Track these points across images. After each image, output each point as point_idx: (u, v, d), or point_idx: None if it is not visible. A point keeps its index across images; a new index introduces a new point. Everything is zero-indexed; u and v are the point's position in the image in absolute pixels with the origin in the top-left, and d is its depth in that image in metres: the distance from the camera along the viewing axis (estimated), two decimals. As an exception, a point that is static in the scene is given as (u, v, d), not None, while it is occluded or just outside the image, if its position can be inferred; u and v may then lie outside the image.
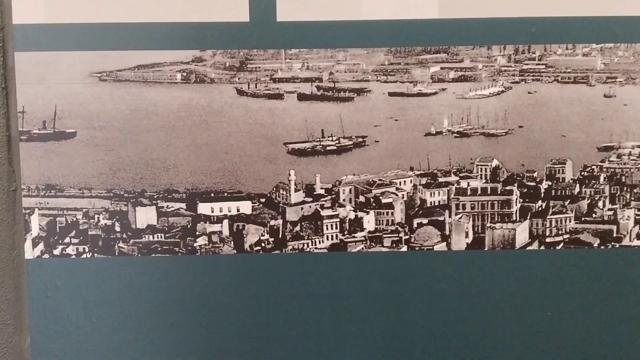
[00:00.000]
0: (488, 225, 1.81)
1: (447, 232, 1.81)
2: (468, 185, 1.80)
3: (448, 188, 1.80)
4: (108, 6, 1.72)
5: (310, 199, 1.80)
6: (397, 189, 1.80)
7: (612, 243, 1.80)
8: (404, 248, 1.81)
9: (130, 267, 1.80)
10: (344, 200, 1.80)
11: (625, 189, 1.81)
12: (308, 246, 1.80)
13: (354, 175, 1.80)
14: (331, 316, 1.81)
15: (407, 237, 1.81)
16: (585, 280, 1.81)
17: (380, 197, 1.80)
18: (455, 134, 1.79)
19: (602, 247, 1.81)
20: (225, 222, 1.79)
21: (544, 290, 1.81)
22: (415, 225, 1.81)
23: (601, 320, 1.81)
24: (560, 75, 1.78)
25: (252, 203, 1.79)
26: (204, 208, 1.79)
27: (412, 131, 1.79)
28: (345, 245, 1.81)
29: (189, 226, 1.80)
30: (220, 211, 1.79)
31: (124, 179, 1.79)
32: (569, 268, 1.80)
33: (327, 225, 1.80)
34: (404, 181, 1.80)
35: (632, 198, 1.81)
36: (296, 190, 1.79)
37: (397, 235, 1.81)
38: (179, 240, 1.79)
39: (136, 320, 1.80)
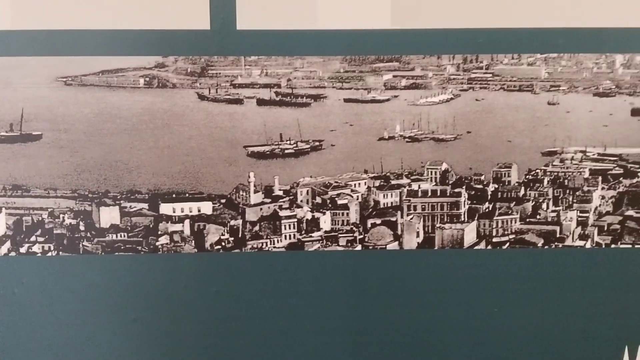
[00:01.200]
0: (438, 225, 1.82)
1: (399, 232, 1.81)
2: (419, 187, 1.81)
3: (400, 190, 1.82)
4: (73, 13, 1.71)
5: (269, 200, 1.80)
6: (352, 190, 1.81)
7: (556, 243, 1.82)
8: (359, 247, 1.82)
9: (94, 265, 1.78)
10: (301, 201, 1.81)
11: (567, 191, 1.83)
12: (267, 245, 1.80)
13: (311, 177, 1.80)
14: (289, 312, 1.81)
15: (362, 236, 1.81)
16: (530, 278, 1.82)
17: (336, 199, 1.81)
18: (407, 139, 1.81)
19: (546, 247, 1.82)
20: (187, 222, 1.78)
21: (490, 287, 1.82)
22: (369, 225, 1.82)
23: (544, 316, 1.82)
24: (506, 83, 1.81)
25: (213, 204, 1.79)
26: (165, 208, 1.78)
27: (366, 136, 1.80)
28: (302, 245, 1.81)
29: (151, 226, 1.79)
30: (182, 211, 1.78)
31: (88, 180, 1.77)
32: (514, 266, 1.82)
33: (285, 225, 1.81)
34: (359, 183, 1.81)
35: (574, 200, 1.83)
36: (255, 192, 1.79)
37: (352, 234, 1.81)
38: (141, 239, 1.78)
39: (100, 316, 1.79)
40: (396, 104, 1.81)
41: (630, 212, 1.84)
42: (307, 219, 1.81)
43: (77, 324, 1.80)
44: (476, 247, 1.83)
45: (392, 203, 1.83)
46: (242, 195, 1.80)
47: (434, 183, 1.82)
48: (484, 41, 1.76)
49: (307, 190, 1.81)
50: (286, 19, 1.74)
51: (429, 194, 1.82)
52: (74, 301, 1.80)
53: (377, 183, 1.81)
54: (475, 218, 1.83)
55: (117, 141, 1.77)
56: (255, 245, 1.80)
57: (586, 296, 1.84)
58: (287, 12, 1.73)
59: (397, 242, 1.82)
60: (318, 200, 1.81)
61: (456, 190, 1.82)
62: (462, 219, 1.83)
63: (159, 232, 1.79)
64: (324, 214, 1.81)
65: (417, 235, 1.82)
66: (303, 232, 1.81)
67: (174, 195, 1.78)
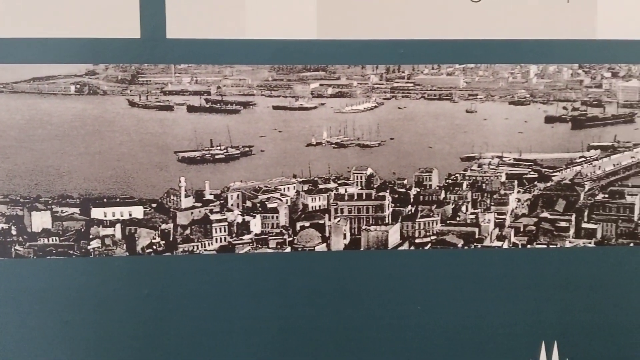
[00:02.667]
0: (364, 227, 1.81)
1: (327, 234, 1.80)
2: (345, 191, 1.80)
3: (328, 194, 1.80)
4: (4, 21, 1.65)
5: (200, 204, 1.77)
6: (281, 194, 1.79)
7: (475, 244, 1.83)
8: (288, 249, 1.80)
9: (26, 268, 1.72)
10: (232, 205, 1.78)
11: (485, 195, 1.84)
12: (198, 248, 1.77)
13: (241, 182, 1.77)
14: (220, 314, 1.77)
15: (291, 239, 1.79)
16: (451, 277, 1.82)
17: (266, 202, 1.78)
18: (333, 145, 1.79)
19: (466, 248, 1.83)
20: (118, 225, 1.73)
21: (414, 286, 1.81)
22: (298, 228, 1.79)
23: (465, 313, 1.82)
24: (427, 92, 1.81)
25: (144, 208, 1.74)
26: (97, 213, 1.73)
27: (295, 142, 1.77)
28: (233, 247, 1.78)
29: (82, 230, 1.73)
30: (113, 215, 1.73)
31: (19, 185, 1.71)
32: (436, 266, 1.81)
33: (216, 229, 1.77)
34: (288, 187, 1.79)
35: (492, 203, 1.84)
36: (186, 196, 1.75)
37: (281, 237, 1.79)
38: (73, 243, 1.72)
39: (32, 319, 1.72)
40: (323, 111, 1.79)
41: (545, 214, 1.86)
42: (237, 223, 1.78)
43: (9, 326, 1.73)
44: (400, 248, 1.82)
45: (320, 206, 1.81)
46: (173, 199, 1.75)
47: (360, 187, 1.81)
48: (406, 52, 1.77)
49: (238, 195, 1.78)
50: (215, 28, 1.71)
51: (355, 197, 1.81)
52: (6, 304, 1.72)
53: (305, 187, 1.80)
54: (399, 220, 1.82)
55: (48, 147, 1.71)
56: (186, 249, 1.76)
57: (504, 294, 1.84)
58: (216, 22, 1.70)
59: (325, 244, 1.80)
60: (248, 204, 1.78)
61: (381, 193, 1.82)
62: (387, 221, 1.82)
63: (91, 236, 1.73)
64: (254, 217, 1.78)
65: (344, 237, 1.81)
66: (234, 235, 1.78)
67: (105, 200, 1.73)
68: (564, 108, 1.85)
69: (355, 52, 1.75)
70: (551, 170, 1.86)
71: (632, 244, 1.87)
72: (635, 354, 1.88)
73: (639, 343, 1.87)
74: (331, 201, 1.80)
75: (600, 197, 1.87)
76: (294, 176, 1.79)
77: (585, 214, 1.87)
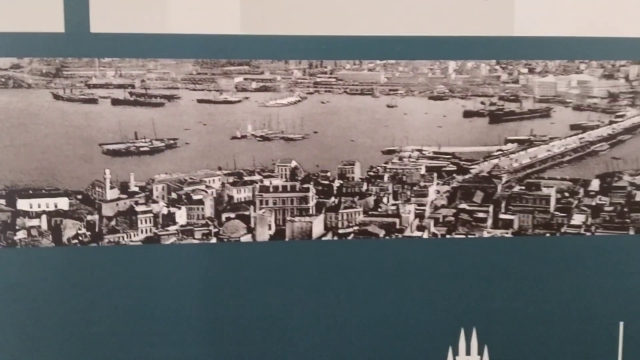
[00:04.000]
0: (288, 218, 1.79)
1: (252, 225, 1.77)
2: (270, 183, 1.77)
3: (253, 186, 1.77)
4: None
5: (125, 196, 1.72)
6: (206, 186, 1.75)
7: (396, 234, 1.82)
8: (214, 240, 1.76)
9: (-49, 260, 1.67)
10: (157, 196, 1.74)
11: (405, 187, 1.83)
12: (124, 239, 1.73)
13: (166, 174, 1.73)
14: (146, 304, 1.73)
15: (217, 230, 1.76)
16: (373, 266, 1.81)
17: (191, 194, 1.75)
18: (258, 138, 1.76)
19: (387, 238, 1.82)
20: (44, 217, 1.68)
21: (337, 275, 1.79)
22: (223, 219, 1.76)
23: (386, 301, 1.80)
24: (349, 87, 1.79)
25: (70, 199, 1.70)
26: (23, 204, 1.67)
27: (220, 135, 1.74)
28: (158, 238, 1.74)
29: (8, 221, 1.68)
30: (39, 207, 1.68)
31: (-57, 177, 1.66)
32: (358, 256, 1.80)
33: (141, 220, 1.73)
34: (213, 179, 1.75)
35: (412, 195, 1.83)
36: (111, 188, 1.71)
37: (207, 228, 1.76)
38: (-1, 234, 1.69)
39: (-43, 311, 1.68)
40: (247, 105, 1.76)
41: (463, 205, 1.86)
42: (163, 214, 1.74)
43: None
44: (324, 239, 1.80)
45: (245, 198, 1.78)
46: (99, 191, 1.71)
47: (284, 179, 1.78)
48: (328, 48, 1.74)
49: (163, 187, 1.74)
50: (139, 22, 1.66)
51: (280, 189, 1.79)
52: None
53: (230, 179, 1.77)
54: (323, 211, 1.80)
55: (-28, 139, 1.66)
56: (112, 239, 1.72)
57: (424, 283, 1.83)
58: (140, 16, 1.66)
59: (250, 235, 1.78)
60: (173, 195, 1.75)
61: (305, 185, 1.79)
62: (311, 213, 1.80)
63: (17, 227, 1.68)
64: (180, 209, 1.75)
65: (269, 228, 1.78)
66: (159, 226, 1.74)
67: (30, 192, 1.68)
68: (482, 103, 1.84)
69: (278, 48, 1.72)
70: (469, 163, 1.84)
71: (548, 234, 1.87)
72: (550, 340, 1.89)
73: (555, 330, 1.88)
74: (256, 193, 1.78)
75: (517, 189, 1.86)
76: (219, 168, 1.76)
77: (503, 205, 1.86)
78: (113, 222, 1.73)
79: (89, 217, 1.71)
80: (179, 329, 1.75)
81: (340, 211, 1.81)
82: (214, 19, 1.68)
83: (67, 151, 1.69)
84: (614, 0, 1.82)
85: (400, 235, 1.83)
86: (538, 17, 1.80)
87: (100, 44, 1.66)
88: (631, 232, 1.88)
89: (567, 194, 1.88)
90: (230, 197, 1.78)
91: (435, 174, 1.84)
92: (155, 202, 1.74)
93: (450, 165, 1.84)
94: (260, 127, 1.77)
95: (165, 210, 1.74)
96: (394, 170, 1.82)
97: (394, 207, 1.83)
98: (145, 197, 1.73)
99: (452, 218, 1.84)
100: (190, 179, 1.75)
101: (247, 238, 1.78)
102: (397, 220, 1.83)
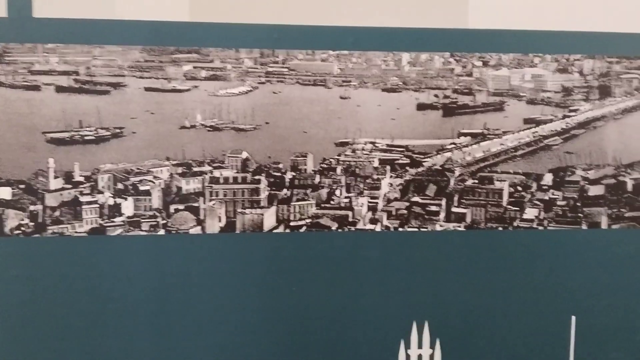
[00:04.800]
0: (239, 210, 1.72)
1: (201, 217, 1.70)
2: (221, 174, 1.70)
3: (202, 177, 1.70)
4: None
5: (69, 186, 1.64)
6: (154, 177, 1.67)
7: (349, 227, 1.76)
8: (162, 232, 1.68)
9: None
10: (102, 187, 1.66)
11: (359, 179, 1.77)
12: (68, 230, 1.64)
13: (112, 164, 1.65)
14: (91, 295, 1.65)
15: (165, 221, 1.68)
16: (325, 259, 1.74)
17: (138, 185, 1.67)
18: (208, 128, 1.69)
19: (340, 230, 1.76)
20: (-15, 207, 1.60)
21: (289, 268, 1.72)
22: (172, 210, 1.68)
23: (339, 294, 1.73)
24: (301, 78, 1.72)
25: (12, 189, 1.60)
26: (-38, 193, 1.60)
27: (168, 124, 1.66)
28: (104, 230, 1.66)
29: (-51, 211, 1.60)
30: (-20, 196, 1.60)
31: None
32: (311, 248, 1.73)
33: (86, 211, 1.65)
34: (161, 170, 1.67)
35: (365, 187, 1.77)
36: (55, 177, 1.62)
37: (155, 220, 1.68)
38: (-62, 223, 1.59)
39: None
40: (196, 94, 1.68)
41: (416, 199, 1.80)
42: (108, 205, 1.66)
43: None
44: (275, 231, 1.74)
45: (194, 189, 1.70)
46: (42, 180, 1.62)
47: (235, 170, 1.71)
48: (280, 37, 1.67)
49: (109, 177, 1.65)
50: (84, 7, 1.59)
51: (231, 180, 1.71)
52: None
53: (179, 170, 1.69)
54: (275, 204, 1.74)
55: None
56: (56, 230, 1.64)
57: (376, 276, 1.77)
58: (85, 1, 1.58)
59: (200, 227, 1.70)
60: (120, 186, 1.67)
61: (256, 177, 1.72)
62: (262, 205, 1.73)
63: (-43, 217, 1.60)
64: (126, 199, 1.66)
65: (219, 220, 1.71)
66: (105, 217, 1.66)
67: (-30, 181, 1.60)
68: (436, 96, 1.78)
69: (228, 36, 1.65)
70: (422, 156, 1.78)
71: (500, 228, 1.82)
72: (502, 333, 1.84)
73: (507, 323, 1.83)
74: (206, 184, 1.70)
75: (469, 182, 1.81)
76: (167, 159, 1.67)
77: (455, 198, 1.81)
78: (57, 213, 1.64)
79: (32, 208, 1.62)
80: (124, 322, 1.67)
81: (292, 203, 1.74)
82: (162, 5, 1.60)
83: (9, 139, 1.59)
84: (568, -6, 1.79)
85: (353, 228, 1.76)
86: (492, 10, 1.76)
87: (43, 29, 1.57)
88: (584, 227, 1.84)
89: (519, 188, 1.84)
90: (179, 188, 1.69)
91: (388, 167, 1.77)
92: (100, 192, 1.65)
93: (404, 158, 1.78)
94: (210, 116, 1.69)
95: (111, 201, 1.66)
96: (347, 162, 1.76)
97: (346, 200, 1.77)
98: (91, 187, 1.64)
99: (405, 211, 1.78)
100: (137, 169, 1.66)
101: (196, 230, 1.70)
102: (349, 213, 1.76)
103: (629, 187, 1.85)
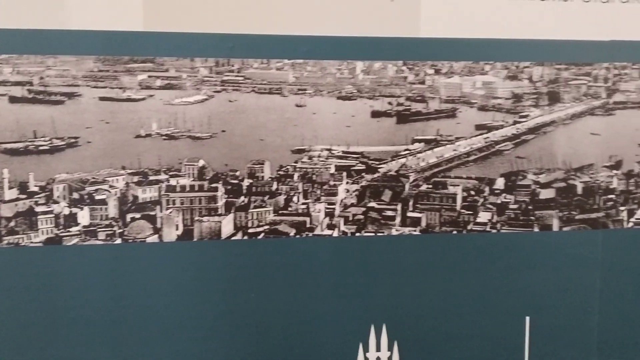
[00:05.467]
0: (196, 218, 1.69)
1: (158, 226, 1.67)
2: (177, 183, 1.67)
3: (159, 185, 1.67)
4: None
5: (24, 196, 1.60)
6: (110, 186, 1.64)
7: (306, 232, 1.75)
8: (118, 241, 1.65)
9: None
10: (58, 197, 1.62)
11: (316, 186, 1.76)
12: (23, 240, 1.60)
13: (67, 173, 1.61)
14: (49, 306, 1.61)
15: (121, 230, 1.65)
16: (283, 265, 1.72)
17: (94, 194, 1.63)
18: (164, 137, 1.66)
19: (298, 236, 1.74)
20: (-63, 218, 1.55)
21: (248, 275, 1.70)
22: (128, 219, 1.66)
23: (297, 299, 1.72)
24: (257, 86, 1.70)
25: (-35, 200, 1.58)
26: None
27: (123, 133, 1.63)
28: (60, 239, 1.62)
29: None
30: None
31: None
32: (269, 255, 1.71)
33: (41, 221, 1.61)
34: (117, 179, 1.64)
35: (322, 194, 1.76)
36: (10, 188, 1.58)
37: (111, 229, 1.65)
38: None
39: None
40: (152, 103, 1.66)
41: (372, 204, 1.80)
42: (64, 214, 1.63)
43: None
44: (233, 238, 1.72)
45: (151, 198, 1.67)
46: (-4, 191, 1.59)
47: (192, 178, 1.69)
48: (235, 46, 1.66)
49: (64, 186, 1.62)
50: (37, 18, 1.54)
51: (187, 188, 1.69)
52: None
53: (135, 179, 1.66)
54: (232, 211, 1.71)
55: None
56: (11, 241, 1.59)
57: (334, 280, 1.76)
58: (38, 12, 1.54)
59: (157, 235, 1.67)
60: (75, 195, 1.63)
61: (213, 185, 1.70)
62: (220, 212, 1.71)
63: None
64: (82, 209, 1.63)
65: (177, 228, 1.68)
66: (60, 227, 1.62)
67: None
68: (389, 103, 1.78)
69: (183, 45, 1.63)
70: (378, 162, 1.78)
71: (454, 232, 1.82)
72: (458, 335, 1.84)
73: (463, 325, 1.83)
74: (162, 193, 1.67)
75: (424, 187, 1.81)
76: (123, 168, 1.65)
77: (411, 203, 1.80)
78: (12, 223, 1.60)
79: (-14, 218, 1.60)
80: (82, 331, 1.63)
81: (250, 210, 1.72)
82: (115, 14, 1.57)
83: (-39, 150, 1.56)
84: (517, 3, 1.80)
85: (310, 234, 1.75)
86: (444, 19, 1.76)
87: (-5, 39, 1.55)
88: (535, 229, 1.86)
89: (473, 193, 1.84)
90: (135, 197, 1.67)
91: (344, 173, 1.76)
92: (56, 202, 1.62)
93: (359, 165, 1.78)
94: (166, 125, 1.66)
95: (67, 211, 1.62)
96: (304, 169, 1.75)
97: (304, 206, 1.76)
98: (46, 197, 1.61)
99: (362, 216, 1.78)
100: (93, 178, 1.63)
101: (153, 239, 1.67)
102: (307, 219, 1.75)
103: (579, 190, 1.88)
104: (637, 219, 1.90)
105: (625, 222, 1.89)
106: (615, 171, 1.89)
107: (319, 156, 1.75)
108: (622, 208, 1.89)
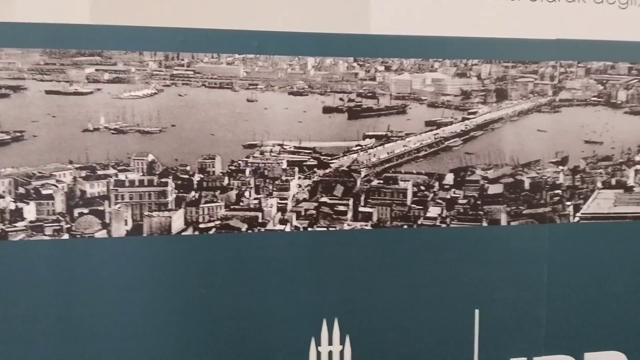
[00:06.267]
0: (146, 213, 1.64)
1: (107, 221, 1.62)
2: (126, 177, 1.63)
3: (107, 180, 1.62)
4: None
5: (-33, 191, 1.54)
6: (57, 181, 1.58)
7: (258, 227, 1.71)
8: (66, 236, 1.59)
9: None
10: (3, 191, 1.55)
11: (268, 181, 1.72)
12: (-33, 236, 1.54)
13: (13, 167, 1.55)
14: (-7, 303, 1.56)
15: (69, 226, 1.59)
16: (235, 260, 1.68)
17: (41, 189, 1.58)
18: (112, 131, 1.61)
19: (250, 231, 1.71)
20: None
21: (199, 270, 1.66)
22: (76, 214, 1.60)
23: (249, 294, 1.68)
24: (208, 80, 1.66)
25: None
26: None
27: (70, 127, 1.57)
28: (6, 235, 1.55)
29: None
30: None
31: None
32: (220, 250, 1.67)
33: (-14, 216, 1.55)
34: (64, 174, 1.59)
35: (274, 189, 1.73)
36: (-48, 182, 1.52)
37: (58, 224, 1.59)
38: None
39: None
40: (100, 96, 1.60)
41: (325, 199, 1.77)
42: (10, 209, 1.56)
43: None
44: (184, 233, 1.67)
45: (99, 193, 1.62)
46: (-63, 186, 1.52)
47: (141, 173, 1.64)
48: (184, 40, 1.61)
49: (10, 181, 1.55)
50: (-20, 9, 1.49)
51: (137, 183, 1.64)
52: None
53: (83, 173, 1.60)
54: (183, 206, 1.67)
55: None
56: (-47, 237, 1.54)
57: (287, 275, 1.72)
58: (-19, 3, 1.49)
59: (105, 231, 1.62)
60: (21, 190, 1.57)
61: (163, 180, 1.65)
62: (170, 207, 1.66)
63: None
64: (28, 204, 1.57)
65: (126, 224, 1.63)
66: (6, 222, 1.56)
67: None
68: (341, 99, 1.75)
69: (132, 38, 1.58)
70: (329, 158, 1.75)
71: (405, 226, 1.81)
72: (410, 328, 1.82)
73: (414, 318, 1.81)
74: (111, 187, 1.62)
75: (375, 182, 1.79)
76: (70, 162, 1.59)
77: (362, 198, 1.78)
78: (-46, 219, 1.55)
79: None
80: (29, 328, 1.57)
81: (201, 205, 1.69)
82: (62, 7, 1.52)
83: None
84: (465, 1, 1.79)
85: (262, 229, 1.72)
86: (393, 16, 1.74)
87: (-64, 30, 1.48)
88: (484, 224, 1.85)
89: (423, 188, 1.83)
90: (83, 192, 1.61)
91: (296, 168, 1.73)
92: (1, 197, 1.55)
93: (311, 160, 1.75)
94: (114, 119, 1.61)
95: (12, 206, 1.56)
96: (256, 164, 1.72)
97: (256, 201, 1.72)
98: (-9, 192, 1.57)
99: (314, 211, 1.75)
100: (39, 172, 1.57)
101: (102, 234, 1.62)
102: (259, 214, 1.71)
103: (526, 185, 1.88)
104: (583, 213, 1.92)
105: (572, 217, 1.90)
106: (561, 167, 1.90)
107: (271, 151, 1.72)
108: (568, 203, 1.90)
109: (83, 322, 1.60)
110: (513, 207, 1.86)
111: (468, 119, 1.83)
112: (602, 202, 1.93)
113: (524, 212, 1.87)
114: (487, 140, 1.85)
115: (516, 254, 1.87)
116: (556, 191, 1.89)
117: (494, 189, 1.86)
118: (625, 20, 1.86)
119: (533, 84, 1.86)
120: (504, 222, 1.85)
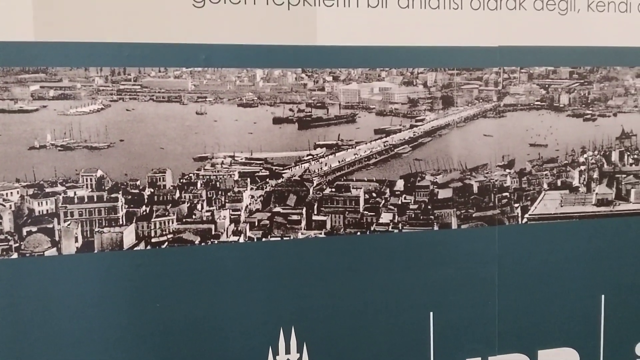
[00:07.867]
0: (97, 230, 1.58)
1: (57, 239, 1.55)
2: (75, 194, 1.56)
3: (55, 197, 1.55)
4: None
5: None
6: (4, 199, 1.51)
7: (212, 240, 1.66)
8: (15, 255, 1.52)
9: None
10: (-53, 212, 1.49)
11: (220, 192, 1.67)
12: None
13: (-44, 188, 1.49)
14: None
15: (17, 244, 1.52)
16: (189, 273, 1.63)
17: (-14, 208, 1.51)
18: (59, 148, 1.54)
19: (203, 244, 1.65)
20: None
21: (152, 285, 1.60)
22: (24, 233, 1.53)
23: (204, 306, 1.63)
24: (155, 94, 1.61)
25: None
26: None
27: (16, 145, 1.50)
28: (-49, 256, 1.49)
29: None
30: None
31: None
32: (173, 264, 1.62)
33: None
34: (11, 192, 1.52)
35: (227, 200, 1.68)
36: None
37: (7, 243, 1.51)
38: None
39: None
40: (45, 113, 1.53)
41: (278, 209, 1.73)
42: (-46, 230, 1.50)
43: None
44: (136, 248, 1.61)
45: (47, 210, 1.55)
46: None
47: (90, 189, 1.58)
48: (130, 54, 1.56)
49: (-46, 201, 1.50)
50: None
51: (86, 200, 1.57)
52: None
53: (30, 191, 1.53)
54: (134, 221, 1.61)
55: None
56: None
57: (242, 285, 1.67)
58: None
59: (55, 248, 1.55)
60: (-34, 210, 1.51)
61: (113, 195, 1.59)
62: (121, 223, 1.60)
63: None
64: (-26, 224, 1.51)
65: (76, 241, 1.57)
66: (-49, 243, 1.49)
67: None
68: (290, 110, 1.72)
69: (77, 54, 1.51)
70: (281, 168, 1.71)
71: (358, 233, 1.78)
72: (366, 333, 1.79)
73: (369, 323, 1.77)
74: (59, 204, 1.56)
75: (328, 191, 1.75)
76: (17, 180, 1.52)
77: (315, 207, 1.75)
78: None
79: None
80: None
81: (152, 220, 1.63)
82: (4, 24, 1.45)
83: None
84: (410, 11, 1.77)
85: (216, 241, 1.67)
86: (340, 27, 1.71)
87: None
88: (435, 228, 1.83)
89: (374, 195, 1.80)
90: (31, 210, 1.54)
91: (248, 179, 1.69)
92: (-55, 218, 1.50)
93: (263, 171, 1.71)
94: (61, 136, 1.54)
95: (-43, 227, 1.50)
96: (207, 177, 1.66)
97: (208, 214, 1.67)
98: None
99: (267, 222, 1.70)
100: (-15, 192, 1.52)
101: (52, 252, 1.55)
102: (212, 227, 1.66)
103: (475, 189, 1.86)
104: (530, 214, 1.92)
105: (520, 218, 1.90)
106: (508, 170, 1.89)
107: (222, 163, 1.67)
108: (516, 205, 1.89)
109: (35, 343, 1.53)
110: (463, 211, 1.84)
111: (416, 126, 1.81)
112: (548, 203, 1.93)
113: (474, 215, 1.86)
114: (436, 147, 1.83)
115: (467, 256, 1.85)
116: (504, 194, 1.88)
117: (444, 194, 1.84)
118: (565, 26, 1.87)
119: (478, 91, 1.85)
120: (454, 225, 1.84)
